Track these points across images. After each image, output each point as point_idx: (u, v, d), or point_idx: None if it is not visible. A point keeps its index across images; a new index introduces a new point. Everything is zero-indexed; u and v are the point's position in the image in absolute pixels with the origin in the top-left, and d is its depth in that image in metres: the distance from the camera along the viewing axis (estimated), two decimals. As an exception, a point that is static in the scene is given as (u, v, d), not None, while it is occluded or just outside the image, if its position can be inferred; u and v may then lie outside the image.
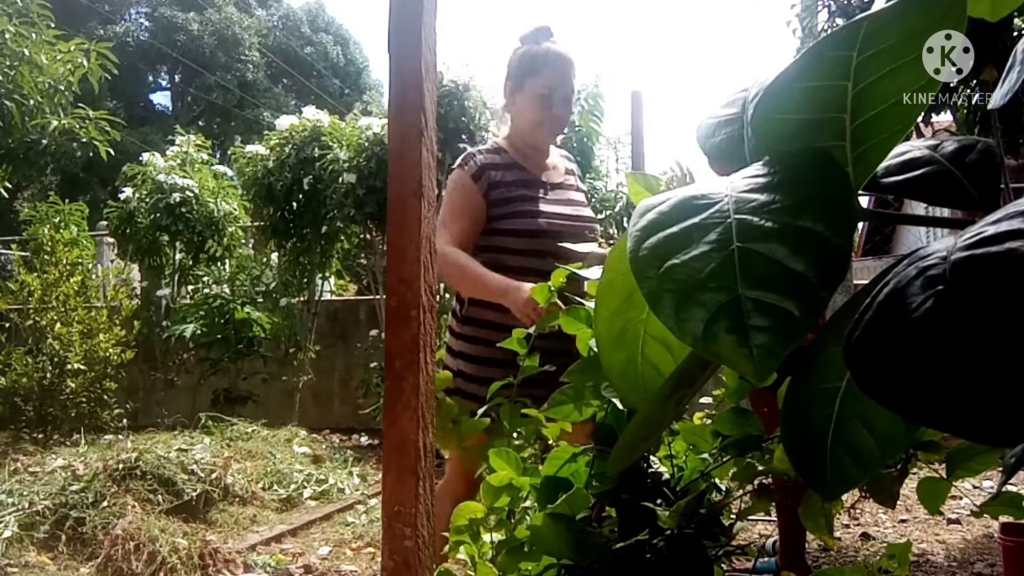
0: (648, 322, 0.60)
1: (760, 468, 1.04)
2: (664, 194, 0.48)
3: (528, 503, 1.17)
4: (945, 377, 0.36)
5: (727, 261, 0.42)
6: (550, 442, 1.25)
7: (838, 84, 0.49)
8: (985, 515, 0.92)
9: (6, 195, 6.17)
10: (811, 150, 0.50)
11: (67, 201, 7.20)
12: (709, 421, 1.13)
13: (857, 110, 0.49)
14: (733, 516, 1.16)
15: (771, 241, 0.42)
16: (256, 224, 7.17)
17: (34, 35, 5.40)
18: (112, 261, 7.76)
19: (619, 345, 0.63)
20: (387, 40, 1.04)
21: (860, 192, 0.54)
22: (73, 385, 5.46)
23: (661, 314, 0.42)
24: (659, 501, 1.00)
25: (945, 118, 4.41)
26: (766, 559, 2.68)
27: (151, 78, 24.84)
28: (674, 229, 0.45)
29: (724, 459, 1.06)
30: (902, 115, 0.50)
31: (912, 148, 0.57)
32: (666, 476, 1.09)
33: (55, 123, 5.54)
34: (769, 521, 3.01)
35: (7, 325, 5.91)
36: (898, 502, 1.07)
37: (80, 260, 5.97)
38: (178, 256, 6.99)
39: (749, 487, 1.11)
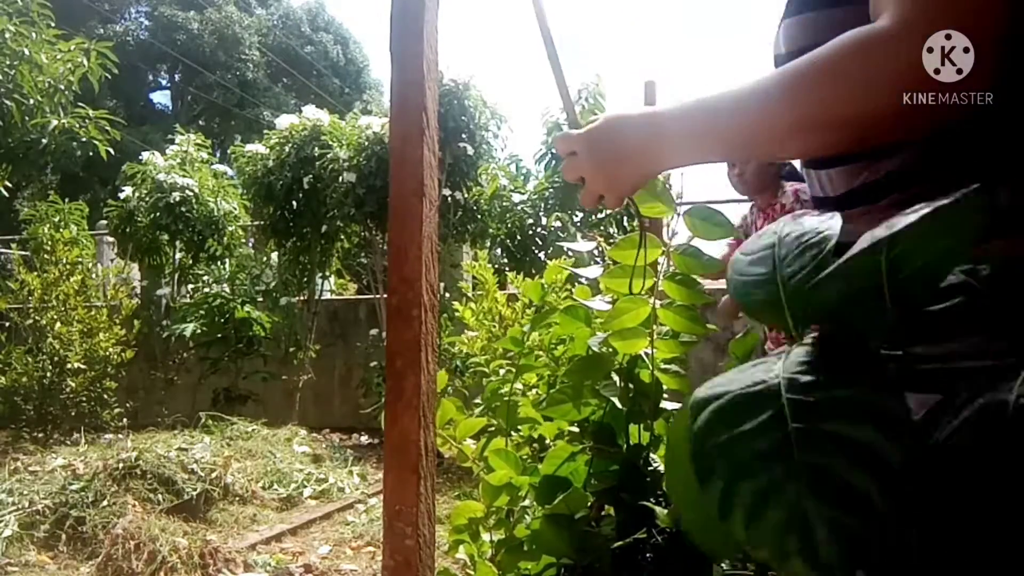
0: None
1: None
2: (718, 383, 0.50)
3: (527, 502, 1.17)
4: None
5: (783, 440, 0.44)
6: (548, 441, 1.25)
7: (873, 259, 0.50)
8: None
9: (6, 194, 6.17)
10: (850, 325, 0.52)
11: (67, 200, 7.19)
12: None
13: (892, 272, 0.51)
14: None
15: (831, 456, 0.43)
16: (256, 223, 7.17)
17: (34, 34, 5.40)
18: (112, 260, 7.76)
19: (695, 502, 0.61)
20: (389, 39, 1.04)
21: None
22: (73, 384, 5.46)
23: (732, 524, 0.43)
24: (659, 500, 1.00)
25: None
26: None
27: (151, 77, 24.82)
28: (736, 425, 0.47)
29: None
30: (935, 271, 0.52)
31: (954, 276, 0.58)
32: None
33: (55, 122, 5.53)
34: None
35: (7, 324, 5.91)
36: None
37: (80, 259, 5.97)
38: (178, 255, 6.99)
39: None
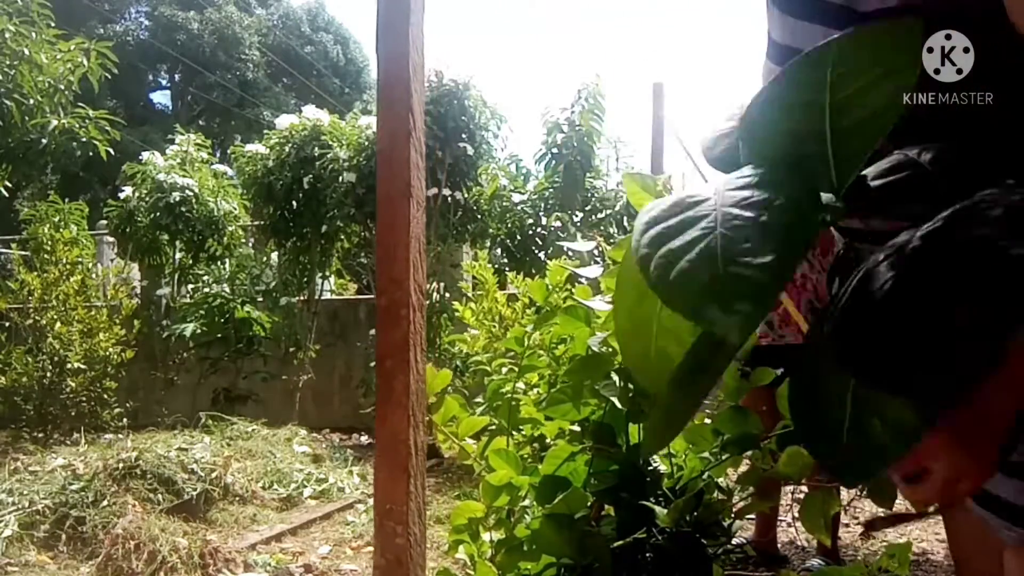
0: (660, 315, 0.66)
1: (766, 471, 1.04)
2: (659, 204, 0.55)
3: (527, 502, 1.17)
4: (898, 343, 0.44)
5: (712, 243, 0.49)
6: (548, 441, 1.25)
7: (816, 99, 0.55)
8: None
9: (6, 194, 6.17)
10: (789, 156, 0.57)
11: (67, 200, 7.19)
12: (709, 421, 1.13)
13: (836, 120, 0.56)
14: (732, 515, 1.16)
15: (747, 229, 0.50)
16: (256, 223, 7.17)
17: (34, 34, 5.40)
18: (112, 260, 7.76)
19: (635, 337, 0.69)
20: (375, 42, 1.05)
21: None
22: (73, 384, 5.46)
23: (659, 292, 0.49)
24: (659, 500, 1.00)
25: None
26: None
27: (151, 77, 24.82)
28: (671, 222, 0.53)
29: (723, 458, 1.06)
30: (875, 127, 0.55)
31: (901, 154, 0.63)
32: (665, 474, 1.09)
33: (55, 122, 5.53)
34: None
35: (7, 324, 5.90)
36: (896, 501, 1.07)
37: (80, 259, 5.97)
38: (178, 255, 6.99)
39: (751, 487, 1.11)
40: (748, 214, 0.51)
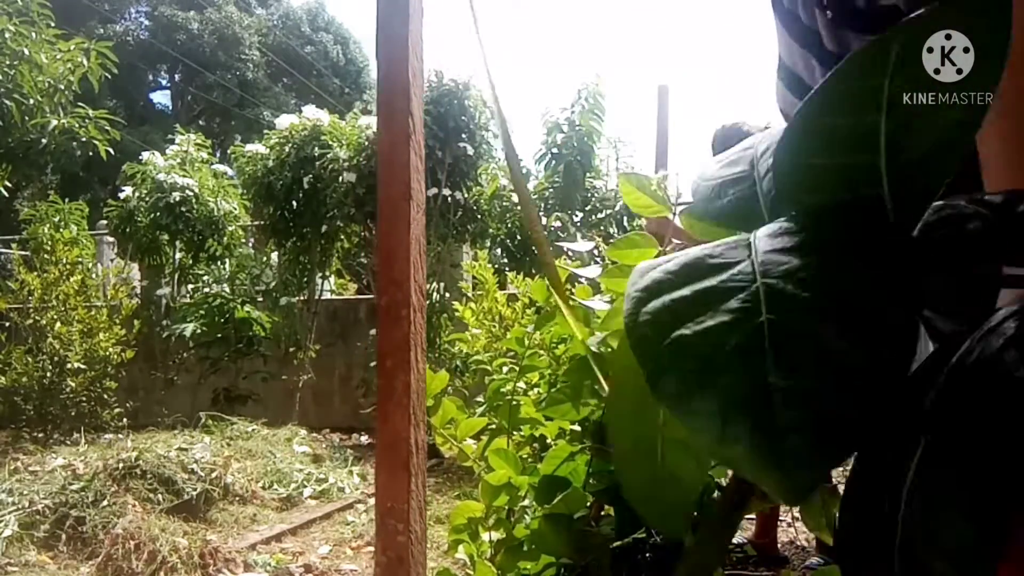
0: (667, 425, 0.50)
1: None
2: (668, 256, 0.40)
3: (527, 502, 1.17)
4: None
5: (755, 335, 0.33)
6: (548, 441, 1.25)
7: (868, 120, 0.39)
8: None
9: (6, 194, 6.17)
10: (849, 201, 0.41)
11: (67, 200, 7.20)
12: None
13: (893, 150, 0.39)
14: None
15: (811, 315, 0.33)
16: (256, 223, 7.17)
17: (34, 34, 5.40)
18: (112, 260, 7.76)
19: (637, 458, 0.51)
20: (375, 47, 1.05)
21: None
22: (73, 384, 5.46)
23: (664, 400, 0.34)
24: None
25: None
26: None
27: (151, 77, 24.82)
28: (684, 292, 0.36)
29: (723, 458, 1.05)
30: (947, 155, 0.40)
31: (948, 204, 0.47)
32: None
33: (55, 122, 5.54)
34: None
35: (7, 324, 5.90)
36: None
37: (80, 259, 5.97)
38: (178, 255, 7.00)
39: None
40: (807, 294, 0.34)
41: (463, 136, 5.54)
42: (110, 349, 5.62)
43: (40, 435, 5.31)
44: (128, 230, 6.87)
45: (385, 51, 1.03)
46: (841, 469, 0.38)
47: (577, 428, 1.17)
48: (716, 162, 0.56)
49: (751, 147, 0.55)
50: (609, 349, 1.13)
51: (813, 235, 0.38)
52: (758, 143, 0.55)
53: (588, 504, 1.04)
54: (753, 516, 2.89)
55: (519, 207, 6.41)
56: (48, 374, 5.42)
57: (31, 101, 5.39)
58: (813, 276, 0.35)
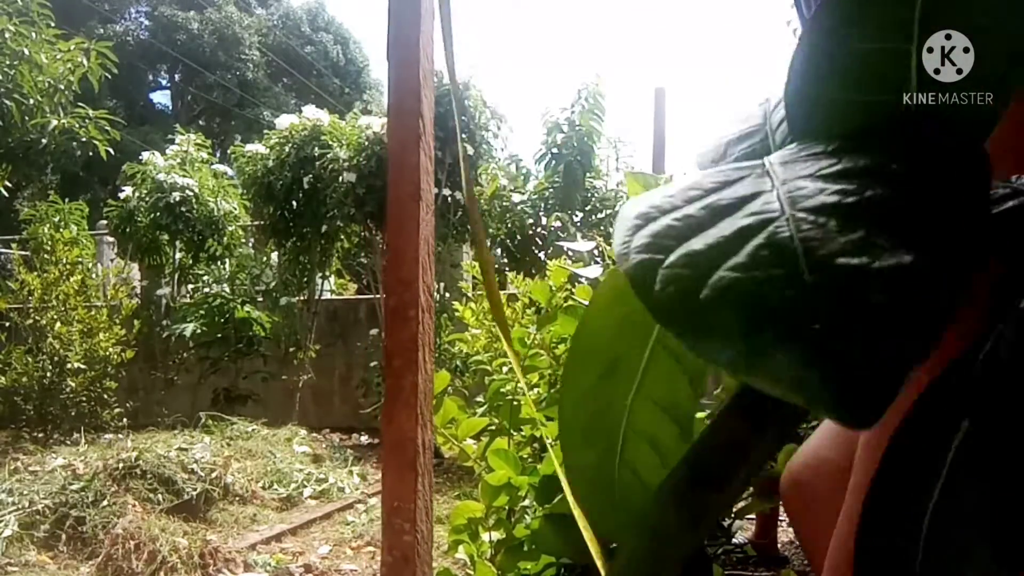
0: (634, 408, 0.41)
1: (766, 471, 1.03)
2: (657, 192, 0.33)
3: (527, 502, 1.17)
4: None
5: (781, 233, 0.28)
6: (547, 441, 1.25)
7: (894, 48, 0.32)
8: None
9: (6, 194, 6.17)
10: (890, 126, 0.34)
11: (67, 200, 7.20)
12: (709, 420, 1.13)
13: (924, 86, 0.33)
14: (732, 515, 1.16)
15: (865, 229, 0.27)
16: (256, 223, 7.17)
17: (34, 34, 5.40)
18: (112, 260, 7.76)
19: (588, 441, 0.42)
20: (387, 49, 1.05)
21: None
22: (73, 384, 5.46)
23: (670, 324, 0.27)
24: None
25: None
26: None
27: (151, 77, 24.81)
28: (687, 211, 0.31)
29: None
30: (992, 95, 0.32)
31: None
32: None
33: (55, 122, 5.54)
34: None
35: (7, 324, 5.90)
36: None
37: (80, 259, 5.97)
38: (178, 255, 7.00)
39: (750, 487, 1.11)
40: (851, 188, 0.28)
41: (463, 136, 5.54)
42: (110, 349, 5.62)
43: (40, 435, 5.31)
44: (128, 230, 6.87)
45: (396, 53, 1.03)
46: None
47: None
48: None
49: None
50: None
51: (855, 156, 0.31)
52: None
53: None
54: (753, 516, 2.89)
55: (519, 207, 6.42)
56: (48, 374, 5.42)
57: (31, 101, 5.39)
58: (867, 196, 0.28)
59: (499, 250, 6.66)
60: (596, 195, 6.52)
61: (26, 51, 5.27)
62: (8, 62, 5.23)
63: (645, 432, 0.42)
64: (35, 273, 5.70)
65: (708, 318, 0.26)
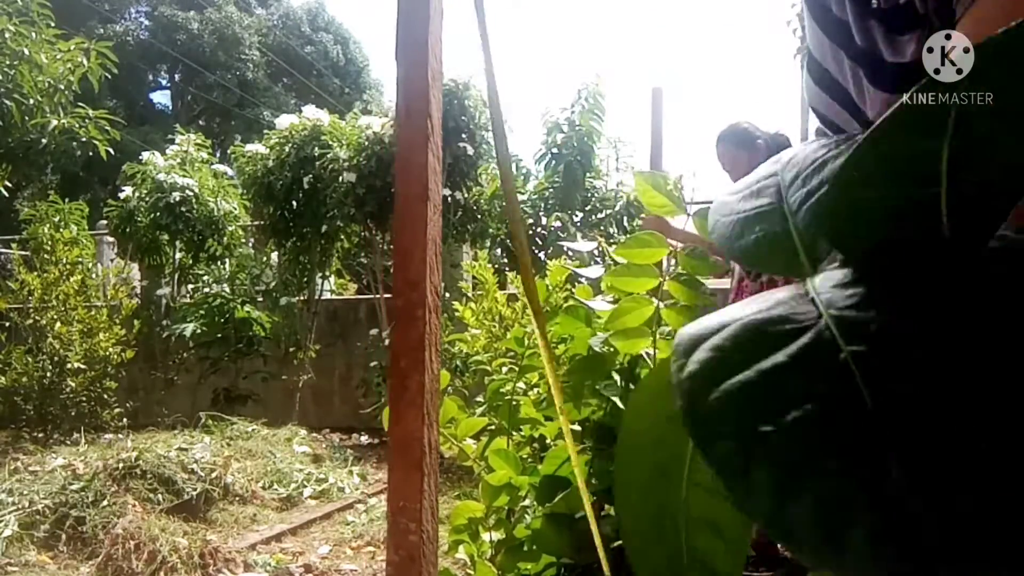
0: (691, 501, 0.42)
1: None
2: (715, 317, 0.33)
3: (527, 502, 1.17)
4: None
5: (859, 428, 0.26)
6: (548, 441, 1.25)
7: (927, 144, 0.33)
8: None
9: (6, 194, 6.17)
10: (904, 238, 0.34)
11: (67, 200, 7.19)
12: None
13: (954, 174, 0.33)
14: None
15: (931, 393, 0.26)
16: (256, 223, 7.18)
17: (34, 34, 5.40)
18: (112, 260, 7.76)
19: (657, 536, 0.42)
20: (395, 49, 1.06)
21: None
22: (73, 384, 5.46)
23: (755, 505, 0.26)
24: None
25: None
26: None
27: (151, 77, 24.82)
28: (749, 374, 0.29)
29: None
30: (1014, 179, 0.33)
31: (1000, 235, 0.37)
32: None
33: (55, 122, 5.54)
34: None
35: (7, 324, 5.90)
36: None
37: (80, 259, 5.97)
38: (178, 255, 7.00)
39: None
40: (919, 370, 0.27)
41: (463, 136, 5.54)
42: (110, 349, 5.62)
43: (40, 435, 5.31)
44: (128, 230, 6.87)
45: (405, 53, 1.03)
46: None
47: (577, 428, 1.17)
48: (734, 193, 0.49)
49: (774, 174, 0.49)
50: (610, 348, 1.13)
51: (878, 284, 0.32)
52: (783, 171, 0.49)
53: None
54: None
55: (519, 205, 6.41)
56: (48, 374, 5.42)
57: (31, 101, 5.39)
58: (920, 352, 0.28)
59: (499, 250, 6.66)
60: (596, 195, 6.52)
61: (26, 51, 5.27)
62: (8, 62, 5.23)
63: (704, 518, 0.42)
64: (35, 273, 5.70)
65: (752, 487, 0.26)
